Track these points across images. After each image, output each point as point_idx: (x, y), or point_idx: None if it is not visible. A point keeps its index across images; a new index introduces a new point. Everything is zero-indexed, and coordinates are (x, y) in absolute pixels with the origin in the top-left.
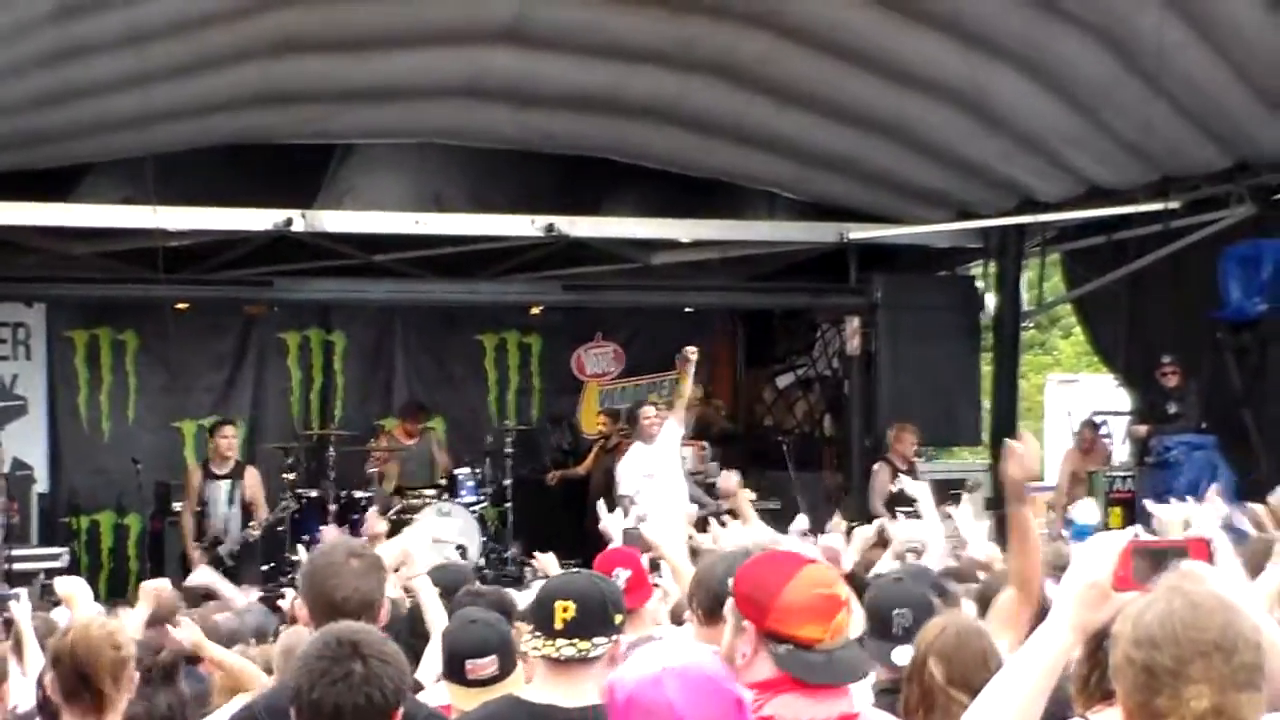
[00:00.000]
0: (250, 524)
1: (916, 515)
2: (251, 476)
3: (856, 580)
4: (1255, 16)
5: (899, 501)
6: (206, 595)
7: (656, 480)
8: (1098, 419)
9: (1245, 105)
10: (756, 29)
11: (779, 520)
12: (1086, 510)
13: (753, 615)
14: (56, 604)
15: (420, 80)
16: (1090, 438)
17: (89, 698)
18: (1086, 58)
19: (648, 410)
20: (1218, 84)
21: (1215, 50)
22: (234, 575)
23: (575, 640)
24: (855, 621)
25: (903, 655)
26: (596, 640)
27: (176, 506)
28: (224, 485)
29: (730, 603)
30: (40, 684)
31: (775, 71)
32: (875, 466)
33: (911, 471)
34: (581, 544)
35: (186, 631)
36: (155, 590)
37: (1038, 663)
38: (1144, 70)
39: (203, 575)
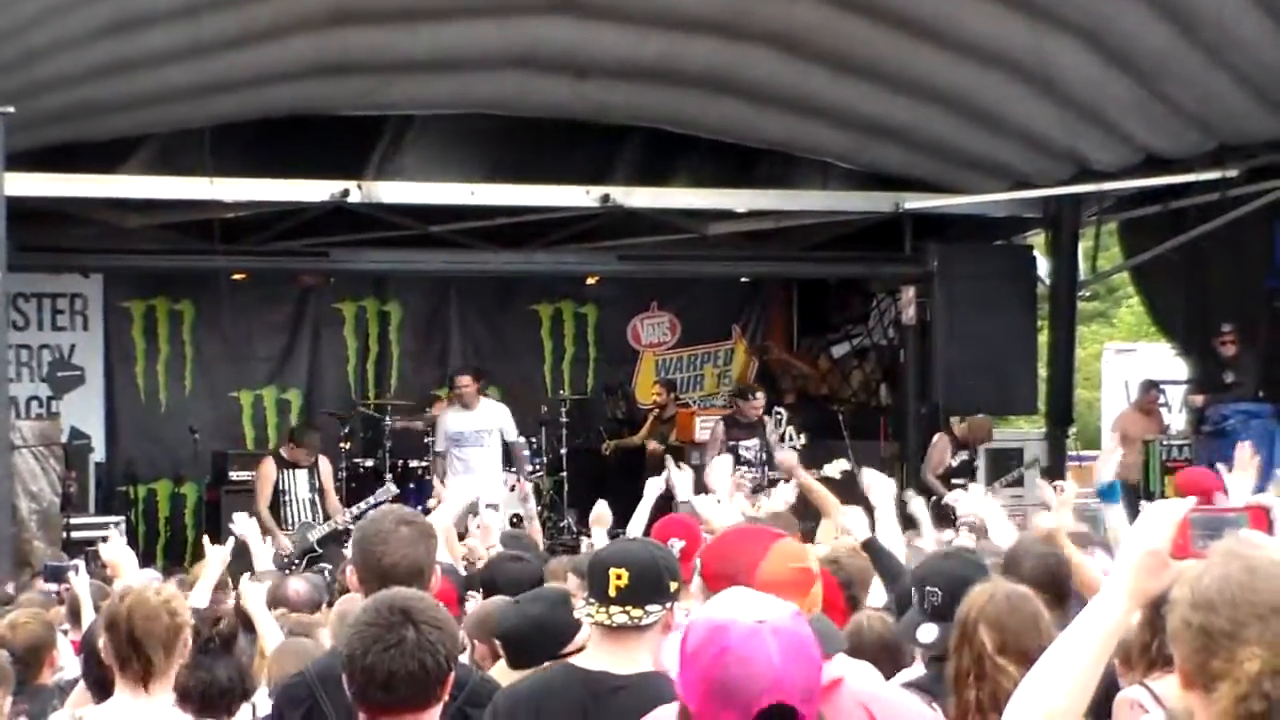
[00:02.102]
0: (343, 512)
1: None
2: (325, 465)
3: (873, 548)
4: None
5: (955, 474)
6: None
7: (463, 446)
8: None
9: None
10: None
11: (834, 489)
12: (1104, 467)
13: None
14: (101, 570)
15: (474, 51)
16: (1153, 399)
17: (144, 663)
18: (1146, 27)
19: (462, 379)
20: (1276, 52)
21: (1272, 18)
22: (321, 561)
23: (628, 607)
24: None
25: (927, 633)
26: (650, 608)
27: (233, 476)
28: (303, 474)
29: (698, 582)
30: (85, 648)
31: (831, 41)
32: (935, 437)
33: (971, 451)
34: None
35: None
36: (221, 559)
37: (1096, 630)
38: (1203, 39)
39: (242, 525)
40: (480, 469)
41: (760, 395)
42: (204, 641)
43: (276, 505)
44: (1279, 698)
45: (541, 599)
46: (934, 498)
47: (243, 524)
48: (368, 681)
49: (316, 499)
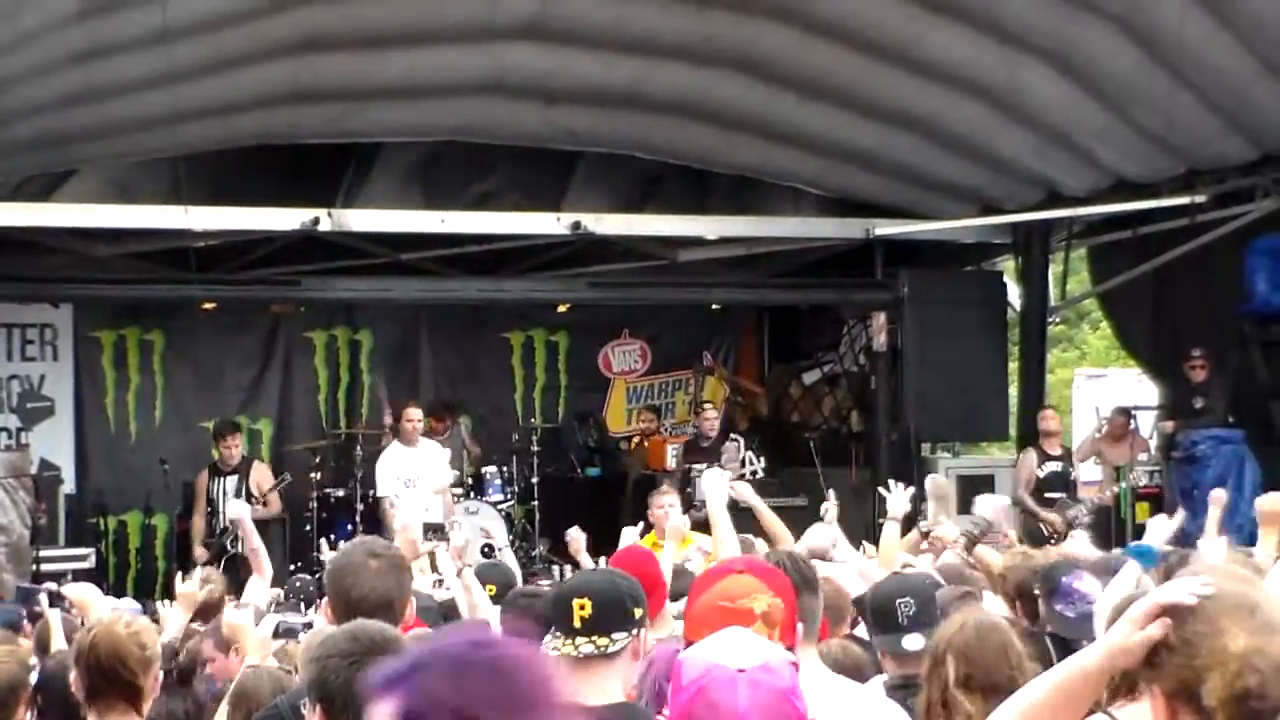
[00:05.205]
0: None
1: (1070, 503)
2: (259, 470)
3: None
4: (1278, 8)
5: (1047, 488)
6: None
7: (417, 488)
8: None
9: (1271, 97)
10: (781, 23)
11: (805, 516)
12: (1157, 530)
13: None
14: (67, 609)
15: (443, 77)
16: (1123, 425)
17: (114, 696)
18: (1113, 51)
19: (411, 412)
20: (1243, 76)
21: (1240, 42)
22: (236, 564)
23: (594, 637)
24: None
25: (913, 642)
26: (615, 635)
27: None
28: (230, 480)
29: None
30: (46, 682)
31: (800, 66)
32: (1021, 454)
33: (1066, 459)
34: (608, 542)
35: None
36: (192, 594)
37: (1057, 675)
38: (1169, 63)
39: (236, 509)
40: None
41: (711, 409)
42: (164, 675)
43: (210, 516)
44: (1270, 669)
45: (463, 627)
46: (1024, 513)
47: (234, 507)
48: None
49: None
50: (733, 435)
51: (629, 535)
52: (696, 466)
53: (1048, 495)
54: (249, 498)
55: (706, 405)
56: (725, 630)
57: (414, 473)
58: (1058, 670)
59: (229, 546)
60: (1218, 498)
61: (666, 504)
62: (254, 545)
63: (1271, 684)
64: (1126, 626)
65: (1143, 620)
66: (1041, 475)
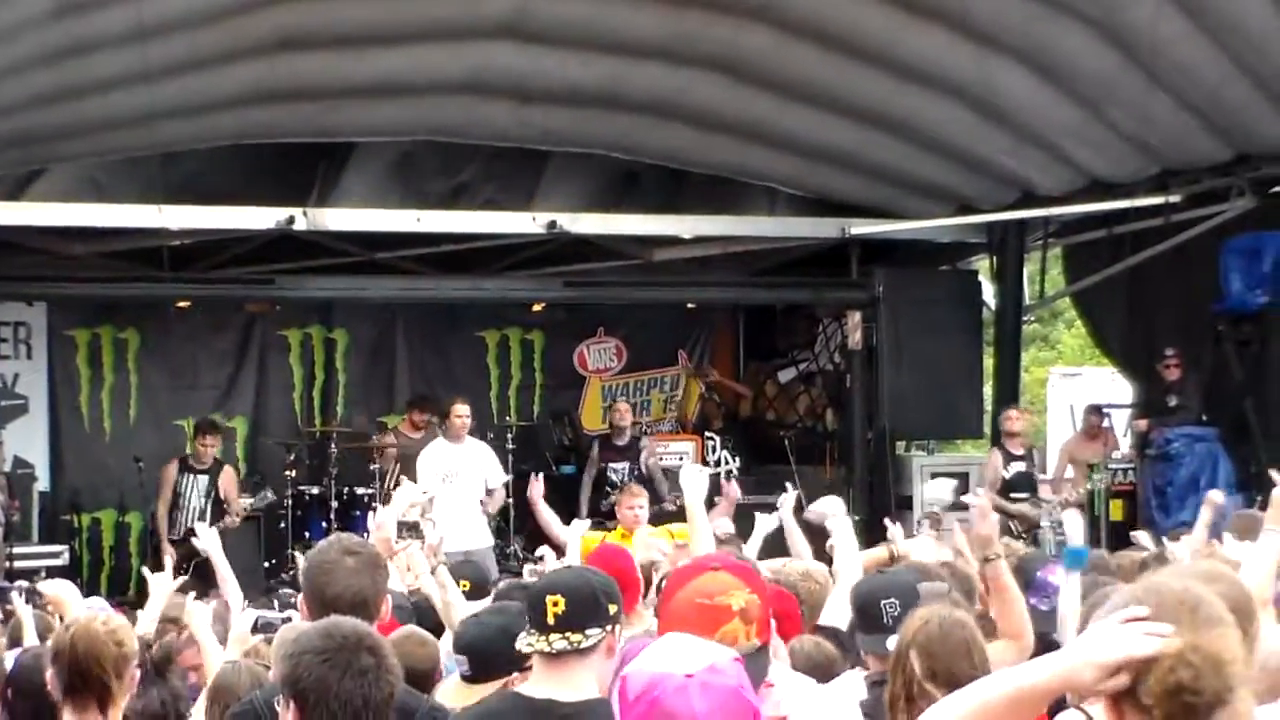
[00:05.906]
0: (225, 517)
1: (1039, 502)
2: (227, 475)
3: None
4: (1254, 8)
5: (1013, 488)
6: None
7: (455, 485)
8: (1104, 407)
9: (1245, 98)
10: (758, 23)
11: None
12: (1074, 528)
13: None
14: (43, 606)
15: (420, 76)
16: (1096, 423)
17: (91, 694)
18: (1088, 51)
19: (459, 408)
20: (1217, 76)
21: (1214, 42)
22: (206, 568)
23: (567, 633)
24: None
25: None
26: (589, 631)
27: None
28: (202, 479)
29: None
30: (19, 677)
31: (777, 66)
32: (989, 453)
33: (1029, 459)
34: None
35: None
36: (165, 586)
37: (1009, 685)
38: (1144, 64)
39: (207, 539)
40: (465, 508)
41: (623, 402)
42: (138, 667)
43: (173, 510)
44: (1203, 663)
45: (502, 610)
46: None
47: (206, 537)
48: (340, 710)
49: (208, 505)
50: (708, 434)
51: (578, 528)
52: (614, 466)
53: (1014, 496)
54: (217, 502)
55: (619, 400)
56: (662, 639)
57: (455, 469)
58: (1011, 679)
59: (200, 551)
60: (1213, 499)
61: (637, 505)
62: (222, 575)
63: (1205, 678)
64: (1091, 671)
65: (1110, 670)
66: (1007, 476)
